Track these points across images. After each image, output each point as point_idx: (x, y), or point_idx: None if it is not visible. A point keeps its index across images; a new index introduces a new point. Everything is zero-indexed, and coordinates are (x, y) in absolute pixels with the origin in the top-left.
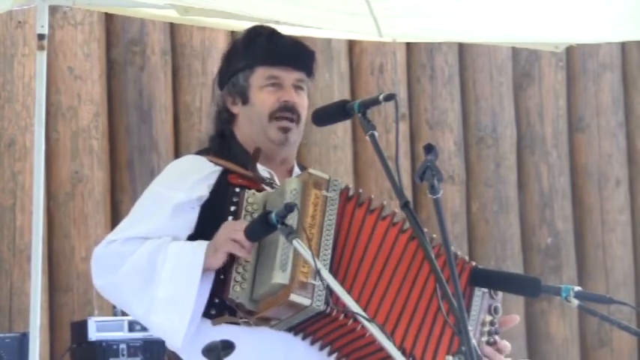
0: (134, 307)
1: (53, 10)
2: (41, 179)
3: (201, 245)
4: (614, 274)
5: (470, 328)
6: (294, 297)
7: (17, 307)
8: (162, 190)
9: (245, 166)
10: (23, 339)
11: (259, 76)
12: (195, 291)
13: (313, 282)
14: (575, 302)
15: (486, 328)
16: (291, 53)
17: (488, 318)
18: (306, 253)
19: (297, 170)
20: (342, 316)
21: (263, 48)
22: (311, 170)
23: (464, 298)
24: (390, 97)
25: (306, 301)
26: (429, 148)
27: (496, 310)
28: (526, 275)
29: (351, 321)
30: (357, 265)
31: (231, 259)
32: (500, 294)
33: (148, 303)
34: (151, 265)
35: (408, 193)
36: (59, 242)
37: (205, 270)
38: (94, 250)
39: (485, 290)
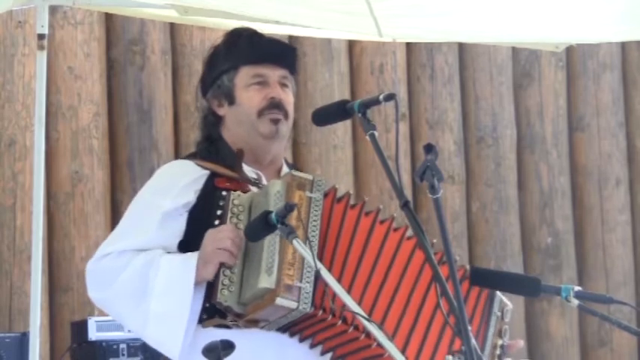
0: (129, 321)
1: (53, 9)
2: (41, 179)
3: (192, 257)
4: (614, 274)
5: (486, 352)
6: (280, 301)
7: (17, 307)
8: (150, 198)
9: (232, 168)
10: (23, 339)
11: (244, 75)
12: (188, 304)
13: (299, 284)
14: (575, 302)
15: (497, 352)
16: (273, 51)
17: (499, 342)
18: (306, 253)
19: (285, 170)
20: (329, 317)
21: (245, 48)
22: (294, 172)
23: (482, 322)
24: (390, 97)
25: (292, 304)
26: (429, 148)
27: (505, 333)
28: (526, 275)
29: (339, 322)
30: (355, 266)
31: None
32: (509, 316)
33: (142, 318)
34: (143, 279)
35: (408, 193)
36: (59, 242)
37: (198, 282)
38: (87, 264)
39: (499, 313)
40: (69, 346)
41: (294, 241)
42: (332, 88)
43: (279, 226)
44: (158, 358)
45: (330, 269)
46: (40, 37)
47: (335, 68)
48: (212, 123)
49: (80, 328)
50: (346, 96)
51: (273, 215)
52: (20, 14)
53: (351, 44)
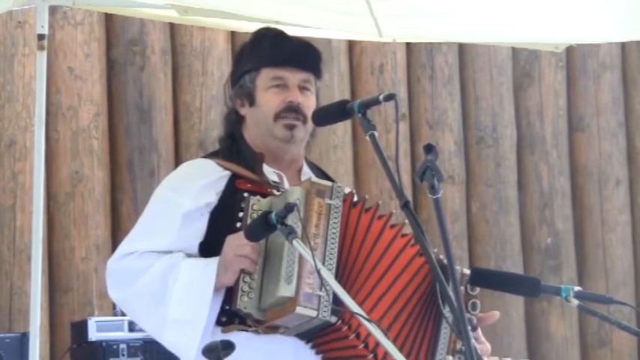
0: (146, 324)
1: (53, 10)
2: (41, 179)
3: (213, 263)
4: (614, 274)
5: (444, 329)
6: (300, 309)
7: (17, 307)
8: (171, 196)
9: (253, 169)
10: (23, 339)
11: (264, 77)
12: (206, 310)
13: (319, 293)
14: (575, 302)
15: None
16: (295, 54)
17: (467, 316)
18: (306, 253)
19: (305, 170)
20: (345, 327)
21: (268, 49)
22: (313, 178)
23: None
24: (390, 97)
25: (312, 313)
26: (429, 148)
27: (474, 307)
28: (526, 275)
29: (352, 335)
30: (366, 276)
31: None
32: (477, 288)
33: (160, 321)
34: (163, 284)
35: (408, 193)
36: (59, 242)
37: (217, 288)
38: (108, 261)
39: (462, 288)
40: (69, 347)
41: (294, 241)
42: (332, 89)
43: (278, 226)
44: (158, 358)
45: (342, 276)
46: (40, 37)
47: (335, 68)
48: (234, 121)
49: (80, 328)
50: (346, 96)
51: (272, 215)
52: (20, 14)
53: (351, 44)
